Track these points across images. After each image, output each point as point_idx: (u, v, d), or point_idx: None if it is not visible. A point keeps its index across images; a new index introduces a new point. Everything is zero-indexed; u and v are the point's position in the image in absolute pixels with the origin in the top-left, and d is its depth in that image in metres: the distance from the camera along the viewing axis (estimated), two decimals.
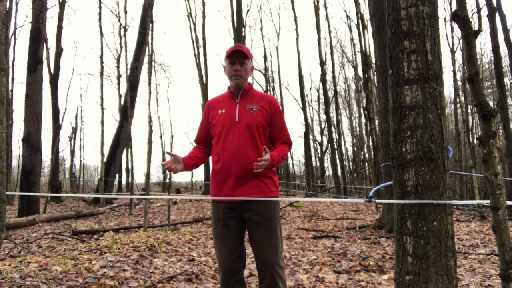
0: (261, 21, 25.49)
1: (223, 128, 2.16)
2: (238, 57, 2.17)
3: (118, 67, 20.71)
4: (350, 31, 21.66)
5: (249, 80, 2.36)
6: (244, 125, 2.13)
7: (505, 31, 9.33)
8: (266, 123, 2.19)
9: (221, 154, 2.14)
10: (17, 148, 43.47)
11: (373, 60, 11.22)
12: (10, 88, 15.50)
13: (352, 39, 21.78)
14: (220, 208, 2.15)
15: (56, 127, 14.74)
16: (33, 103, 10.22)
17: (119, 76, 20.42)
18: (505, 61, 13.50)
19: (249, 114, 2.16)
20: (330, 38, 22.26)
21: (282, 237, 2.20)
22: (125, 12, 14.82)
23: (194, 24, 22.21)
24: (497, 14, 8.99)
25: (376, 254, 4.62)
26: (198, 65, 21.66)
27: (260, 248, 2.09)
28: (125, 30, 14.75)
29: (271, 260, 2.06)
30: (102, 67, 13.75)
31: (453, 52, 16.24)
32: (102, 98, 13.03)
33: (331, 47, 22.62)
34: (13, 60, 16.16)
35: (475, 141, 16.80)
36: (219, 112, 2.21)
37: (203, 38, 21.27)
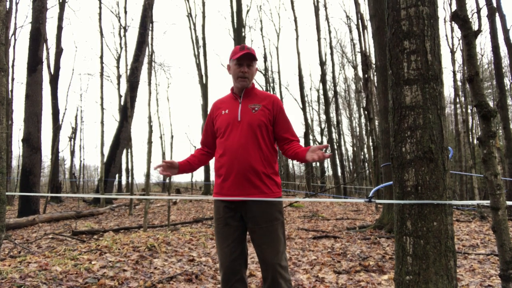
0: (261, 21, 25.49)
1: (227, 128, 2.16)
2: (246, 59, 2.17)
3: (118, 67, 20.69)
4: (350, 31, 21.65)
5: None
6: (246, 125, 2.13)
7: (505, 31, 9.33)
8: (269, 122, 2.18)
9: (223, 153, 2.14)
10: (17, 148, 43.49)
11: (373, 61, 11.22)
12: (10, 88, 15.49)
13: (352, 40, 21.77)
14: (221, 207, 2.15)
15: (56, 127, 14.74)
16: (33, 103, 10.22)
17: (119, 77, 20.41)
18: (505, 61, 13.49)
19: (251, 113, 2.16)
20: (330, 38, 22.28)
21: (285, 237, 2.19)
22: (125, 12, 14.82)
23: (194, 24, 22.21)
24: (497, 14, 8.98)
25: (376, 254, 4.62)
26: (198, 65, 21.67)
27: (260, 248, 2.09)
28: (125, 30, 14.75)
29: (271, 260, 2.06)
30: (102, 68, 13.77)
31: (453, 52, 16.23)
32: (102, 98, 13.04)
33: (331, 47, 22.63)
34: (13, 60, 16.16)
35: (475, 141, 16.80)
36: (222, 113, 2.22)
37: (203, 38, 21.28)
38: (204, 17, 21.27)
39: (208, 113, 2.34)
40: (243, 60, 2.17)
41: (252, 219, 2.09)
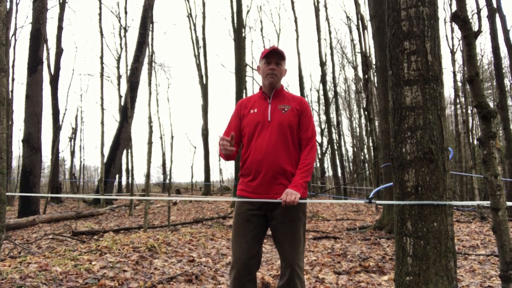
0: (261, 22, 25.50)
1: (256, 127, 2.18)
2: (274, 57, 2.23)
3: (118, 67, 20.70)
4: (350, 32, 21.60)
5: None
6: (276, 125, 2.16)
7: (505, 32, 9.32)
8: (298, 123, 2.23)
9: (252, 153, 2.16)
10: (17, 149, 43.43)
11: (373, 61, 11.22)
12: (10, 89, 15.48)
13: (352, 40, 21.73)
14: (244, 203, 2.16)
15: (56, 127, 14.74)
16: (33, 103, 10.23)
17: (119, 77, 20.42)
18: (505, 62, 13.49)
19: (281, 114, 2.20)
20: (330, 39, 22.25)
21: (305, 237, 2.21)
22: (125, 12, 14.83)
23: (194, 25, 22.24)
24: (497, 15, 8.97)
25: (376, 255, 4.62)
26: (198, 65, 21.68)
27: (282, 247, 2.12)
28: (125, 30, 14.76)
29: (292, 260, 2.09)
30: (102, 68, 13.76)
31: (453, 53, 16.22)
32: (102, 98, 13.03)
33: (331, 48, 22.61)
34: (14, 61, 16.15)
35: (475, 142, 16.79)
36: (251, 112, 2.24)
37: (203, 39, 21.30)
38: (204, 17, 21.30)
39: (234, 110, 2.36)
40: (271, 58, 2.23)
41: (277, 217, 2.11)
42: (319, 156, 27.14)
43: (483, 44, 31.50)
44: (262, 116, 2.20)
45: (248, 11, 21.85)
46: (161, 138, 26.65)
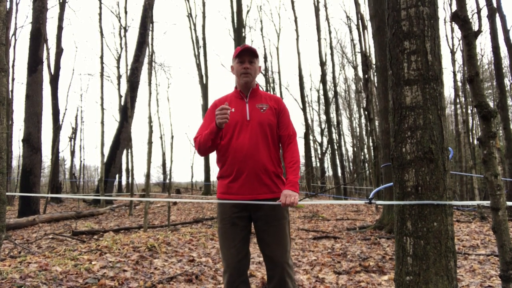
0: (261, 21, 25.43)
1: (235, 127, 2.14)
2: (247, 56, 2.20)
3: (118, 67, 20.70)
4: (350, 31, 21.60)
5: None
6: (256, 124, 2.13)
7: (505, 31, 9.32)
8: (276, 122, 2.21)
9: (232, 153, 2.11)
10: (17, 149, 43.38)
11: (373, 61, 11.22)
12: (10, 89, 15.49)
13: (352, 40, 21.73)
14: (228, 206, 2.12)
15: (56, 127, 14.74)
16: (33, 103, 10.22)
17: (119, 77, 20.42)
18: (505, 61, 13.47)
19: (260, 113, 2.17)
20: (330, 38, 22.26)
21: (290, 236, 2.20)
22: (125, 12, 14.81)
23: (194, 25, 22.26)
24: (497, 14, 8.97)
25: (376, 254, 4.62)
26: (198, 65, 21.71)
27: (269, 247, 2.10)
28: (125, 30, 14.74)
29: (280, 259, 2.07)
30: (102, 68, 13.76)
31: (453, 52, 16.21)
32: (102, 98, 13.03)
33: (331, 47, 22.62)
34: (14, 61, 16.15)
35: (475, 142, 16.79)
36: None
37: (203, 39, 21.33)
38: (204, 17, 21.33)
39: (209, 109, 2.30)
40: (245, 57, 2.19)
41: (263, 217, 2.09)
42: (319, 156, 27.14)
43: (483, 44, 31.54)
44: (241, 115, 2.16)
45: (248, 11, 21.85)
46: (161, 138, 26.68)
